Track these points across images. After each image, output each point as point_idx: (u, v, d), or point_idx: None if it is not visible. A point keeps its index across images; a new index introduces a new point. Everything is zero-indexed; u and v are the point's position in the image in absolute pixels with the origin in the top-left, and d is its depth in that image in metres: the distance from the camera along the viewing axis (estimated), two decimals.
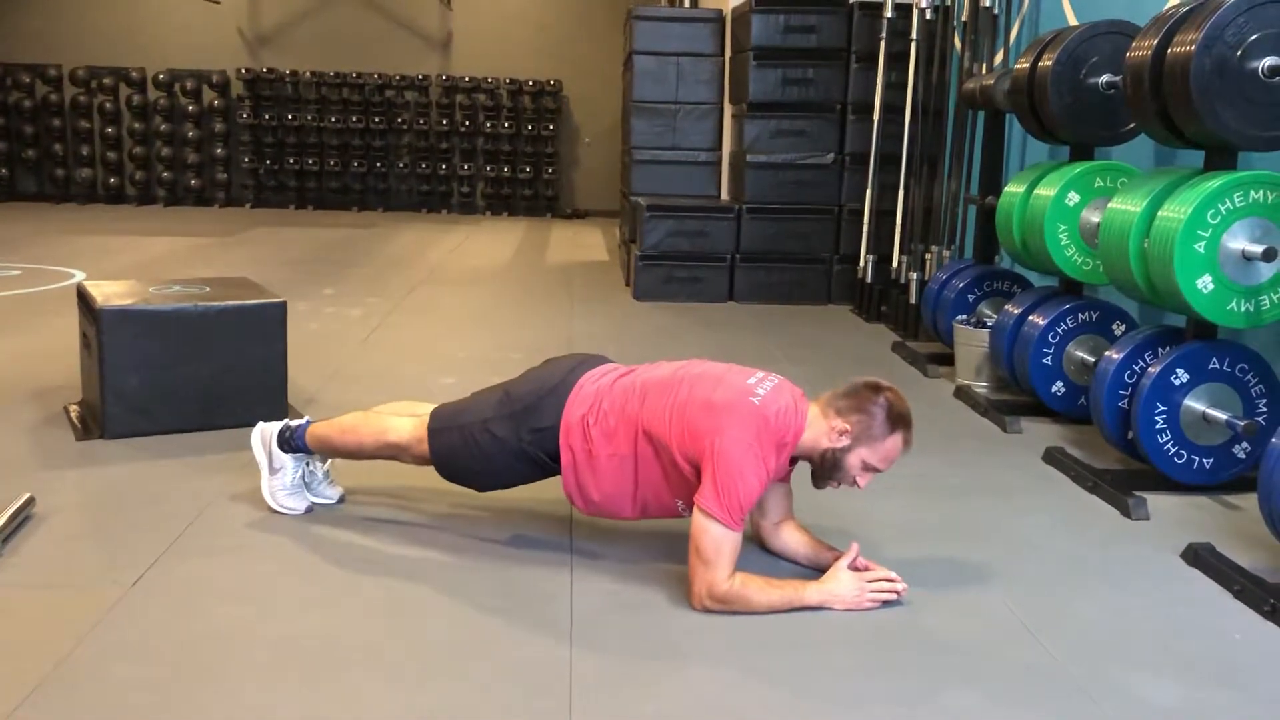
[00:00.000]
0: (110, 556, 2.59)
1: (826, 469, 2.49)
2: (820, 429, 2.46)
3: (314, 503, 2.92)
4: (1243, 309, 3.11)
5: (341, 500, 2.96)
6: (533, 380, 2.68)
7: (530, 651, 2.20)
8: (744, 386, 2.46)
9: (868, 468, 2.47)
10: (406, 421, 2.76)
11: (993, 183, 4.96)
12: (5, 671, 2.04)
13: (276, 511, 2.85)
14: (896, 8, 6.19)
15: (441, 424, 2.68)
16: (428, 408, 2.79)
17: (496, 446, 2.60)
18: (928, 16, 5.88)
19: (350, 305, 6.13)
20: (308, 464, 2.92)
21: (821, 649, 2.25)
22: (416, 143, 13.04)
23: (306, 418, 2.96)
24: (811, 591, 2.42)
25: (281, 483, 2.87)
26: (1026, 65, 4.21)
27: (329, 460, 2.97)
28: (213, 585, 2.46)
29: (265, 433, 2.89)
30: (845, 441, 2.44)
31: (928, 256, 5.72)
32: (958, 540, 2.92)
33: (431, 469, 2.74)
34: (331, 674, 2.08)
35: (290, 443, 2.86)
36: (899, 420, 2.44)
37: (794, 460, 2.53)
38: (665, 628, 2.32)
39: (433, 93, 13.06)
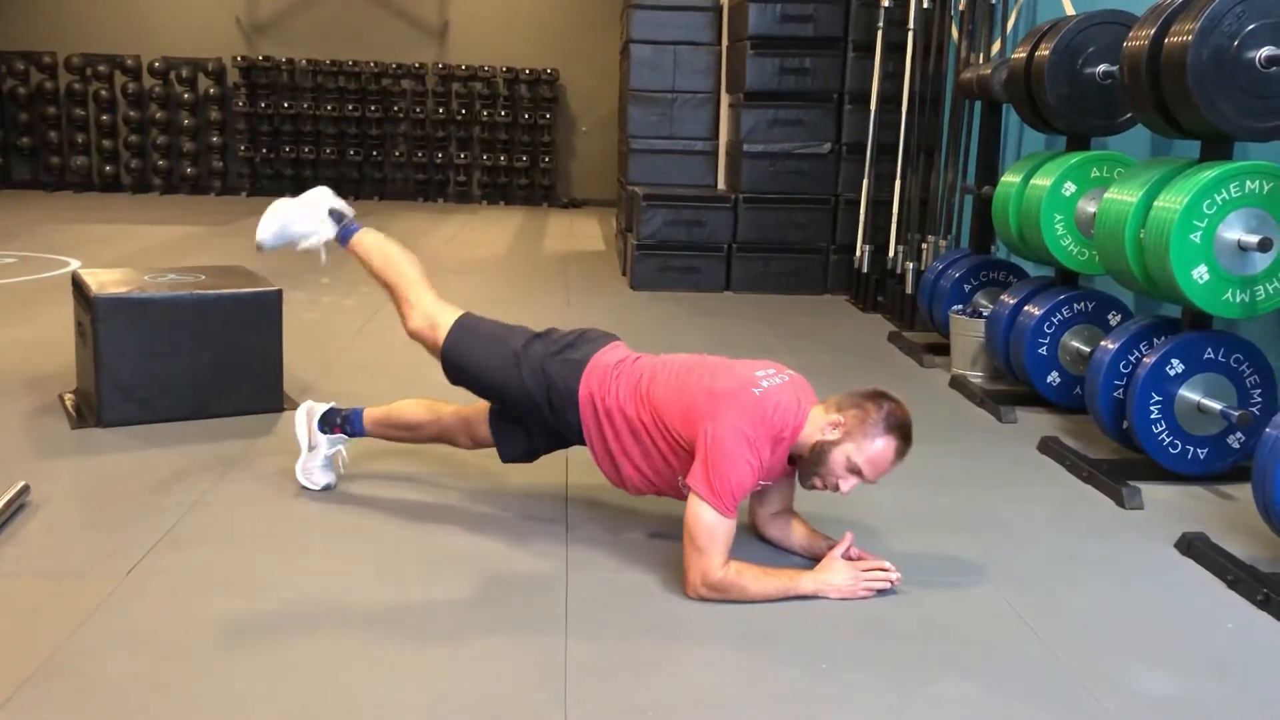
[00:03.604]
0: (105, 545, 2.58)
1: (811, 461, 2.43)
2: (817, 424, 2.43)
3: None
4: (1238, 299, 3.11)
5: (329, 488, 2.97)
6: (564, 335, 2.76)
7: (526, 640, 2.20)
8: (749, 377, 2.46)
9: (853, 469, 2.40)
10: (457, 407, 2.92)
11: (989, 173, 4.95)
12: None
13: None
14: None
15: (473, 323, 2.79)
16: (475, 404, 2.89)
17: (526, 366, 2.65)
18: (925, 6, 5.86)
19: (346, 294, 6.11)
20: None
21: (815, 638, 2.25)
22: (413, 131, 12.98)
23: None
24: (806, 580, 2.42)
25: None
26: (1023, 55, 4.20)
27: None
28: (207, 574, 2.46)
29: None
30: (834, 435, 2.39)
31: (924, 246, 5.72)
32: (952, 530, 2.92)
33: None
34: (326, 662, 2.08)
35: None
36: (895, 427, 2.39)
37: (793, 459, 2.51)
38: (660, 616, 2.33)
39: (429, 81, 13.01)
